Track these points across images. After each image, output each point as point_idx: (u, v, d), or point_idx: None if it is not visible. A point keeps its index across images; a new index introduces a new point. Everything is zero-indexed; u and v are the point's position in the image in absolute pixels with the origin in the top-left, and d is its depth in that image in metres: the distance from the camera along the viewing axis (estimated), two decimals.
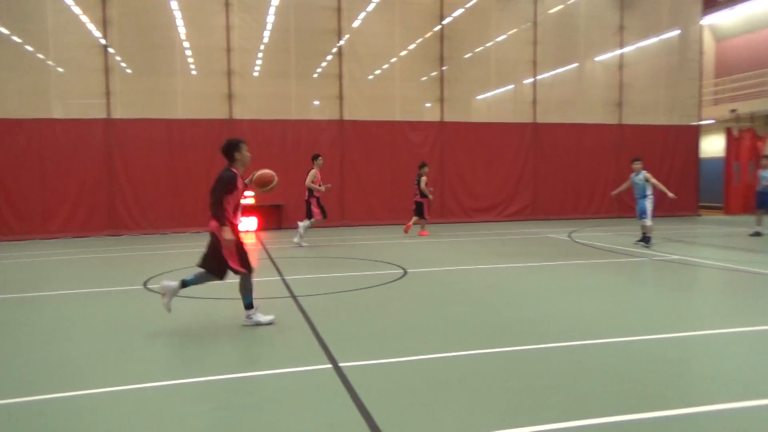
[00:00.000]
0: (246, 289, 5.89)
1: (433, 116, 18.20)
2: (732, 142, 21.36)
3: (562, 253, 11.26)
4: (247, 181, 6.18)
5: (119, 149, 15.57)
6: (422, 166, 14.53)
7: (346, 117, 17.20)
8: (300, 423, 3.65)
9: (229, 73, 16.27)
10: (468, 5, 18.19)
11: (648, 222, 11.76)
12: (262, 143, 16.63)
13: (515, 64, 18.80)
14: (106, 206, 15.54)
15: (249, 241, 14.24)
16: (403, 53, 18.18)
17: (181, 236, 15.21)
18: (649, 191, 11.80)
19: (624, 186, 12.44)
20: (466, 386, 4.19)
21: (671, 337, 5.41)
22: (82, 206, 15.36)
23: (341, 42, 17.04)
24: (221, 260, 5.77)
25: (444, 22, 17.88)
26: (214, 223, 5.75)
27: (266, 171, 6.27)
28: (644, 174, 11.81)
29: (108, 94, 15.46)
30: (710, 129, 22.88)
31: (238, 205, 5.89)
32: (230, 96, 16.32)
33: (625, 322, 5.94)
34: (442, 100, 18.03)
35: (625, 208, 17.45)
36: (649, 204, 11.74)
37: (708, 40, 23.79)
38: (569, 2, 19.25)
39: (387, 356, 4.87)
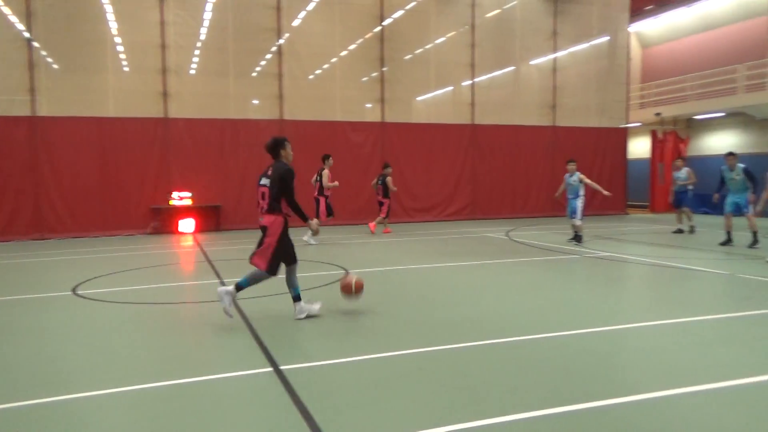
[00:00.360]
0: (254, 279, 5.97)
1: (374, 117, 18.29)
2: (657, 144, 22.54)
3: (500, 251, 11.56)
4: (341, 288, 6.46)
5: (45, 148, 14.85)
6: (386, 166, 14.70)
7: (287, 117, 17.04)
8: (241, 428, 3.60)
9: (164, 71, 15.80)
10: (408, 7, 18.38)
11: (578, 221, 12.26)
12: (200, 143, 16.27)
13: (454, 66, 19.16)
14: (32, 208, 14.79)
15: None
16: (344, 53, 18.16)
17: (113, 239, 14.66)
18: (582, 191, 12.31)
19: (562, 187, 12.90)
20: (406, 385, 4.24)
21: (602, 330, 5.67)
22: (4, 208, 14.57)
23: (281, 41, 16.86)
24: (283, 250, 5.95)
25: (384, 23, 17.99)
26: (268, 218, 5.91)
27: (357, 279, 6.45)
28: (578, 175, 12.30)
29: (32, 90, 14.73)
30: (637, 131, 24.03)
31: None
32: (165, 94, 15.85)
33: (558, 318, 6.17)
34: (382, 100, 18.14)
35: (559, 207, 18.08)
36: (579, 204, 12.24)
37: (635, 46, 25.01)
38: (505, 7, 19.78)
39: (328, 357, 4.86)
